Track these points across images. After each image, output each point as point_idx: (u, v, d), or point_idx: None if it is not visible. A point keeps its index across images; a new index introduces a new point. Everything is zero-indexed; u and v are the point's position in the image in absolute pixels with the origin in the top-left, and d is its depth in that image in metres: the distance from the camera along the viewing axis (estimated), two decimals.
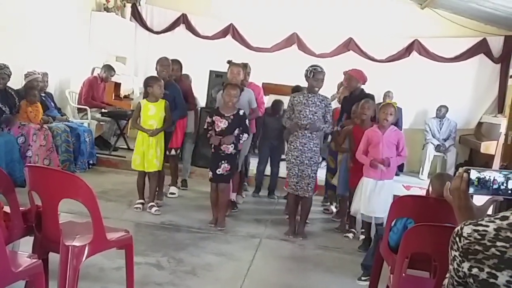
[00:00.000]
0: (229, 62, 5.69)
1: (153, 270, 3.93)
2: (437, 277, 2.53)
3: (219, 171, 5.11)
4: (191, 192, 6.66)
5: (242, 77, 5.64)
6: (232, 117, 5.07)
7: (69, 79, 8.46)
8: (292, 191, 5.12)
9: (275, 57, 9.32)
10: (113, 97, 9.14)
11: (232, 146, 5.10)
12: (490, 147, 7.78)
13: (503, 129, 7.07)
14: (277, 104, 6.77)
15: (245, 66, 5.99)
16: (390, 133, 4.81)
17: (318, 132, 5.13)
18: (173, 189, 6.33)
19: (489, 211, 1.71)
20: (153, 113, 5.39)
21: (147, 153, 5.39)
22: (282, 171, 6.72)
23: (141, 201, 5.54)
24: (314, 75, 4.98)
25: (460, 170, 1.63)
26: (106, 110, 8.16)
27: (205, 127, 5.19)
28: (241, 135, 5.12)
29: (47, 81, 7.28)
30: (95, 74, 8.48)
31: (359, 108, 5.19)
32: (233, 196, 5.80)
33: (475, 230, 1.46)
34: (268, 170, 6.87)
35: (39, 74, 6.80)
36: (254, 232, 5.26)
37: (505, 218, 1.45)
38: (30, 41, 7.21)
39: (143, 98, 5.63)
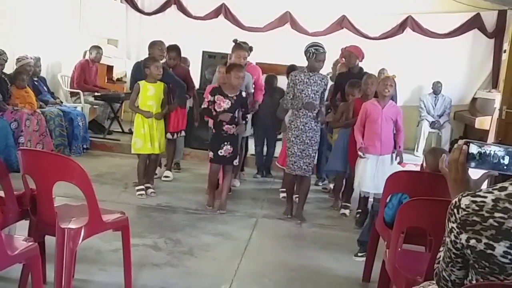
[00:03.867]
0: (235, 41, 5.57)
1: (150, 251, 3.94)
2: (432, 251, 2.54)
3: (221, 152, 5.04)
4: (186, 174, 6.65)
5: (246, 61, 5.55)
6: (235, 97, 5.01)
7: (60, 63, 8.39)
8: (290, 170, 5.07)
9: (268, 36, 9.24)
10: (106, 80, 9.08)
11: (234, 127, 5.06)
12: (484, 122, 7.79)
13: (497, 104, 7.09)
14: (270, 78, 6.62)
15: (250, 49, 5.91)
16: (389, 108, 4.81)
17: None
18: (167, 173, 6.27)
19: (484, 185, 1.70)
20: (152, 94, 5.31)
21: (148, 135, 5.30)
22: (278, 150, 6.72)
23: (142, 186, 5.44)
24: (317, 56, 4.89)
25: (460, 142, 1.62)
26: (99, 94, 8.11)
27: (205, 106, 5.08)
28: (246, 118, 5.12)
29: (40, 66, 7.22)
30: (87, 57, 8.40)
31: (363, 84, 5.15)
32: None
33: (473, 201, 1.46)
34: (264, 150, 6.85)
35: (31, 58, 6.74)
36: (251, 211, 5.27)
37: (503, 188, 1.44)
38: (21, 25, 7.11)
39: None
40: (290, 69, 6.67)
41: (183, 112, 6.18)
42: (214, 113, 5.02)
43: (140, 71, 5.68)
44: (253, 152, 6.93)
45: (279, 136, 6.72)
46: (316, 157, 5.25)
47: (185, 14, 9.54)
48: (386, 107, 4.80)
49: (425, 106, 8.83)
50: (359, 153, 4.84)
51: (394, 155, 4.88)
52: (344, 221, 5.20)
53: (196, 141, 7.23)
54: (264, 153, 6.87)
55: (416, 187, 3.19)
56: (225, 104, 4.99)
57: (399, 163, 4.88)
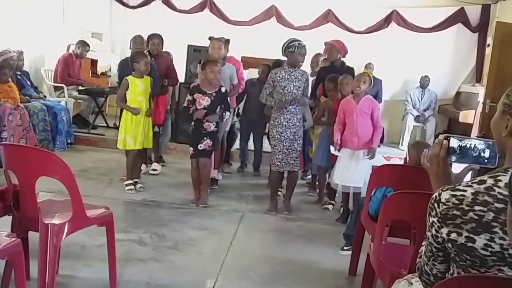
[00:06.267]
0: (210, 38, 5.60)
1: (135, 247, 3.93)
2: (416, 243, 2.56)
3: (201, 147, 5.05)
4: (172, 168, 6.62)
5: (223, 52, 5.55)
6: (214, 94, 5.00)
7: (44, 57, 8.29)
8: (277, 168, 5.08)
9: (254, 30, 9.19)
10: (90, 74, 9.00)
11: (214, 124, 5.06)
12: (468, 116, 7.86)
13: (481, 98, 7.15)
14: (266, 67, 6.47)
15: (227, 41, 5.91)
16: (364, 102, 4.83)
17: (302, 107, 5.12)
18: (155, 165, 6.28)
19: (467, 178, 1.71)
20: (141, 89, 5.30)
21: (139, 131, 5.29)
22: (266, 145, 6.71)
23: (131, 181, 5.42)
24: (300, 50, 4.94)
25: (440, 137, 1.63)
26: (83, 88, 8.03)
27: (185, 105, 5.09)
28: (224, 113, 5.10)
29: (23, 60, 7.13)
30: (70, 51, 8.31)
31: (338, 85, 5.18)
32: (213, 173, 5.75)
33: (453, 195, 1.47)
34: (251, 145, 6.82)
35: (14, 52, 6.64)
36: (237, 206, 5.27)
37: (482, 182, 1.46)
38: (3, 19, 7.01)
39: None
40: (276, 64, 6.66)
41: (164, 104, 6.18)
42: (194, 110, 5.00)
43: (126, 68, 5.66)
44: (238, 147, 6.92)
45: (266, 131, 6.70)
46: (301, 151, 5.27)
47: (170, 8, 9.44)
48: (361, 102, 4.82)
49: (411, 100, 8.88)
50: (331, 148, 4.87)
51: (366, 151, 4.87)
52: (329, 215, 5.22)
53: (182, 135, 7.18)
54: (250, 147, 6.85)
55: (400, 181, 3.21)
56: (205, 101, 4.98)
57: (370, 158, 4.84)
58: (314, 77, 6.02)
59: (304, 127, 5.35)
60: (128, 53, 6.15)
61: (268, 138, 5.72)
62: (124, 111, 5.38)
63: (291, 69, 5.00)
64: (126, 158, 5.47)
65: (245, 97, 6.54)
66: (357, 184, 4.74)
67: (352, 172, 4.78)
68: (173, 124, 6.93)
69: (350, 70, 5.65)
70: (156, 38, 5.98)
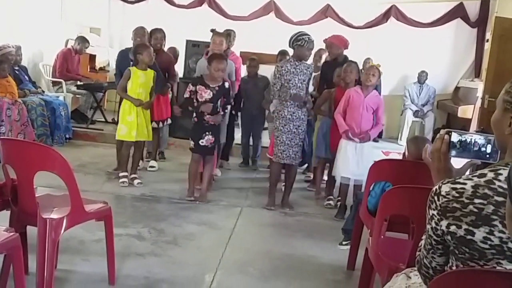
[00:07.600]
0: (212, 30, 5.56)
1: (134, 241, 3.92)
2: (414, 238, 2.56)
3: (202, 142, 5.00)
4: (170, 163, 6.61)
5: (225, 47, 5.53)
6: (217, 88, 4.96)
7: (42, 52, 8.27)
8: (278, 159, 5.08)
9: (253, 25, 9.18)
10: (89, 69, 8.99)
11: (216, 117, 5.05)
12: (467, 111, 7.87)
13: (480, 93, 7.15)
14: (253, 61, 6.53)
15: (228, 35, 5.87)
16: (371, 97, 4.85)
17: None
18: (153, 162, 6.22)
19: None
20: (142, 81, 5.27)
21: (135, 123, 5.26)
22: (264, 140, 6.71)
23: (126, 173, 5.42)
24: (309, 45, 4.93)
25: (442, 131, 1.63)
26: (81, 83, 8.02)
27: (187, 95, 5.03)
28: (226, 108, 5.10)
29: (21, 54, 7.12)
30: (69, 46, 8.29)
31: (342, 72, 5.17)
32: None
33: (453, 188, 1.47)
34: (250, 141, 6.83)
35: (12, 47, 6.63)
36: (235, 201, 5.27)
37: (483, 175, 1.46)
38: (1, 13, 6.98)
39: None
40: (282, 54, 6.64)
41: (166, 100, 6.16)
42: (196, 103, 4.98)
43: (125, 60, 5.63)
44: (238, 142, 6.90)
45: (265, 126, 6.71)
46: (302, 146, 5.27)
47: (168, 3, 9.42)
48: (368, 96, 4.83)
49: (409, 95, 8.89)
50: (343, 136, 4.85)
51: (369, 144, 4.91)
52: (328, 210, 5.21)
53: (180, 130, 7.18)
54: (250, 143, 6.84)
55: (398, 175, 3.21)
56: (207, 94, 4.95)
57: (363, 140, 4.85)
58: (318, 73, 6.00)
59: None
60: (127, 46, 6.12)
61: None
62: (123, 102, 5.36)
63: (296, 62, 4.98)
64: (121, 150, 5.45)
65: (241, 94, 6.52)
66: (360, 176, 4.74)
67: (356, 164, 4.79)
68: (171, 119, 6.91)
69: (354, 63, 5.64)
70: (158, 33, 5.98)
